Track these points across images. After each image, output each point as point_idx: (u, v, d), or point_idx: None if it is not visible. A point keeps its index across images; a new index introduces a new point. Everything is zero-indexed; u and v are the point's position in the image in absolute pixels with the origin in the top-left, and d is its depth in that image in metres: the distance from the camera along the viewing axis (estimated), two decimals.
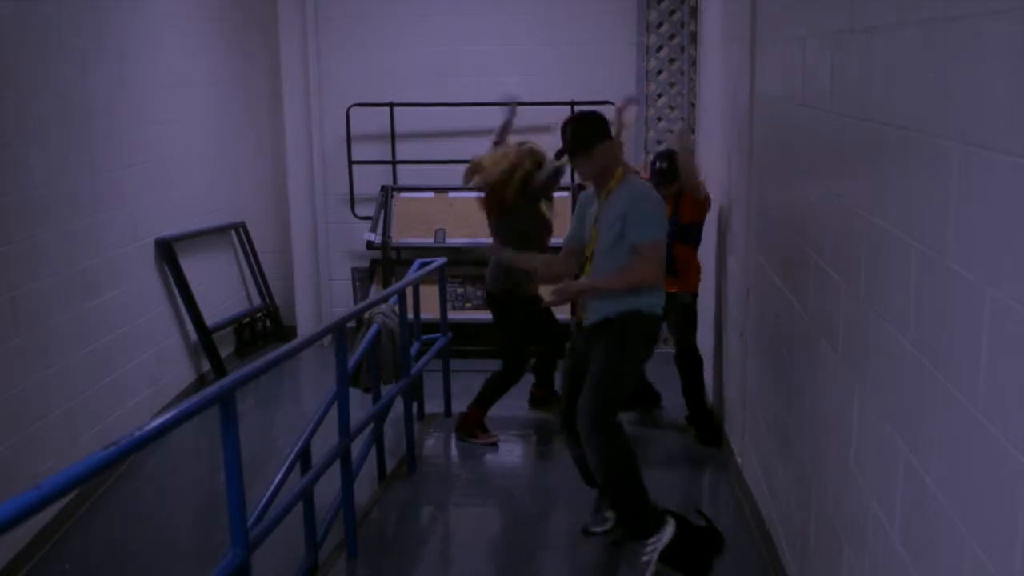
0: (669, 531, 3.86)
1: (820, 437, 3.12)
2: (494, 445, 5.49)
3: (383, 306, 5.20)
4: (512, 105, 5.85)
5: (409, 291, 5.41)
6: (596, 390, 3.89)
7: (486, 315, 5.84)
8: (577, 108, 6.96)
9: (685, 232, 5.32)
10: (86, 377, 4.99)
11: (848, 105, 2.78)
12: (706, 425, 5.42)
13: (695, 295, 5.53)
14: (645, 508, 3.90)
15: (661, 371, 5.94)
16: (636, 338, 3.97)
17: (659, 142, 7.19)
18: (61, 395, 4.73)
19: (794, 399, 3.50)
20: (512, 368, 5.51)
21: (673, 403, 5.75)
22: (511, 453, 5.54)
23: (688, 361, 5.45)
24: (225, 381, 2.96)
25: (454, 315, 6.53)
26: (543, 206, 5.41)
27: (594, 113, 4.11)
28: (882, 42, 2.47)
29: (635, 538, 3.90)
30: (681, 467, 5.25)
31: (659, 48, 7.14)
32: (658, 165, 5.41)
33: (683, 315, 5.39)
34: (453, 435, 5.61)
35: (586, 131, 3.94)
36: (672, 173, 5.29)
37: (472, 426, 5.54)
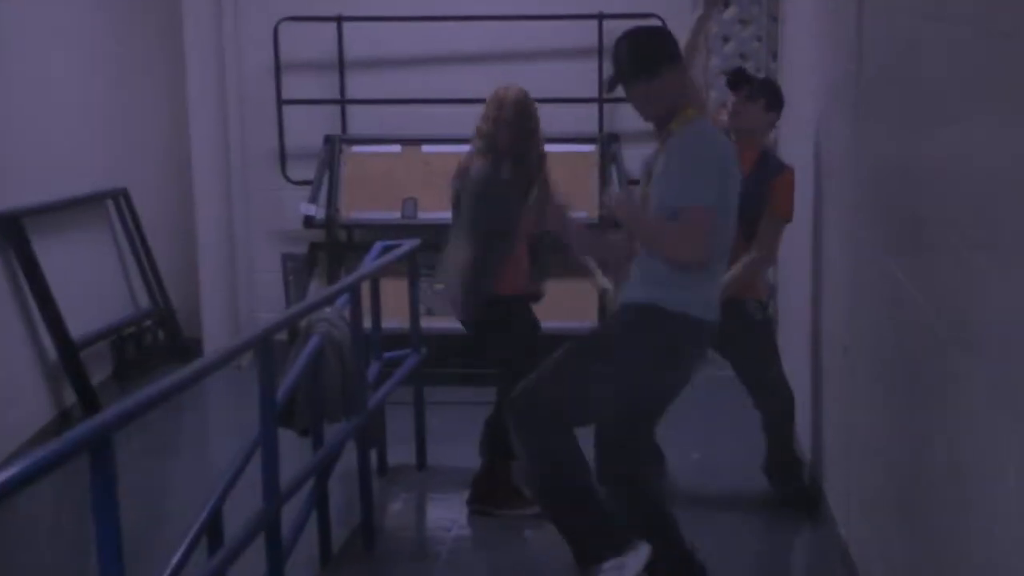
0: (639, 558, 3.95)
1: (961, 502, 3.09)
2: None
3: (328, 310, 5.19)
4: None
5: (366, 287, 5.40)
6: (555, 370, 4.08)
7: None
8: (607, 22, 6.95)
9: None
10: None
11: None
12: (794, 482, 5.40)
13: (761, 302, 5.46)
14: (592, 524, 4.06)
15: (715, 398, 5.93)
16: (648, 340, 4.04)
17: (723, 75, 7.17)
18: None
19: (923, 446, 3.48)
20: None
21: (731, 456, 5.71)
22: (494, 518, 5.46)
23: (768, 396, 5.39)
24: (99, 419, 2.96)
25: (430, 323, 6.50)
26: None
27: (659, 28, 4.18)
28: None
29: (584, 563, 4.06)
30: (758, 543, 5.22)
31: None
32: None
33: (746, 330, 5.29)
34: (428, 498, 5.56)
35: (649, 51, 4.04)
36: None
37: (500, 492, 5.37)
